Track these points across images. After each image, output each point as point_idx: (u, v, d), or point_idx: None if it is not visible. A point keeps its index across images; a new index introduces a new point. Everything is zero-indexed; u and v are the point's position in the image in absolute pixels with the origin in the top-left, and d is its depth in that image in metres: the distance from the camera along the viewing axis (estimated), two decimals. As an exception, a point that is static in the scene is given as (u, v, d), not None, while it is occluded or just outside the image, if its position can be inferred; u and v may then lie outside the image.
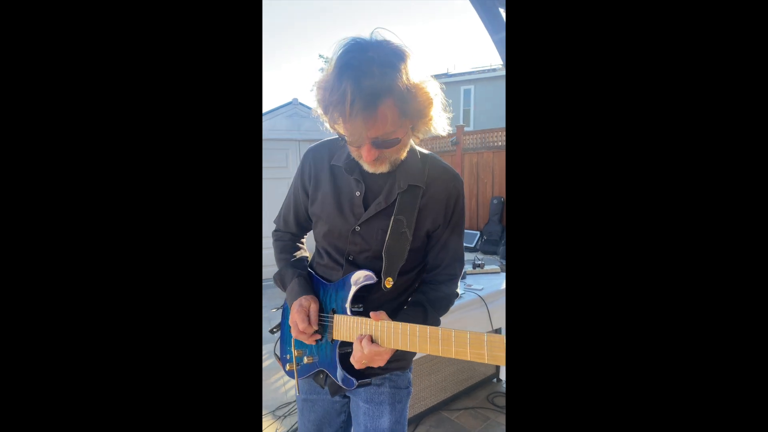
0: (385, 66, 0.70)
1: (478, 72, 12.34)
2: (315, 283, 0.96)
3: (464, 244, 1.00)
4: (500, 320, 1.97)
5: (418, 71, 0.74)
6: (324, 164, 0.92)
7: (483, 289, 1.98)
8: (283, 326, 1.05)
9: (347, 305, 0.85)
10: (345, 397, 1.00)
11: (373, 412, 0.92)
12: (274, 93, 38.48)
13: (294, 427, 1.97)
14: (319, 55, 20.04)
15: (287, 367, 1.00)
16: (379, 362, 0.79)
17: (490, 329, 1.94)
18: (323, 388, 0.95)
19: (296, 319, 0.87)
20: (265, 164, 5.03)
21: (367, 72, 0.69)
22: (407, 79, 0.71)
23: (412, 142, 0.85)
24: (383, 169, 0.82)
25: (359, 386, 0.84)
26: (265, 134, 5.01)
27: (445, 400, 2.11)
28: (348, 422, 1.03)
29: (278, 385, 2.44)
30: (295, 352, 0.96)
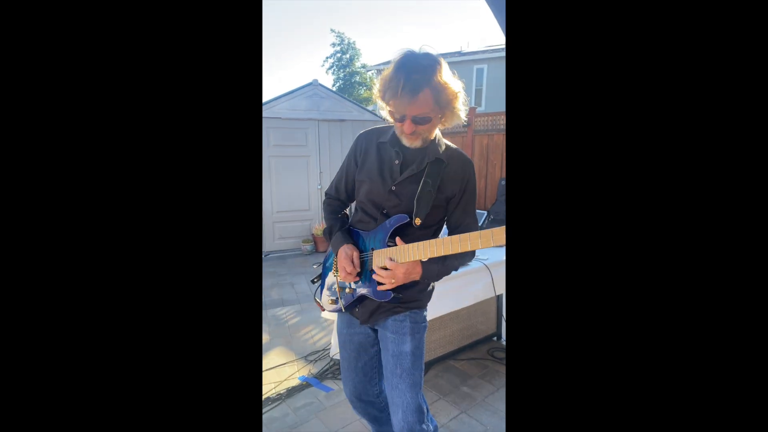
0: (426, 67, 1.04)
1: (492, 51, 12.22)
2: (355, 234, 1.30)
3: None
4: (502, 286, 2.30)
5: (448, 74, 1.07)
6: (372, 142, 1.27)
7: (488, 259, 2.30)
8: (324, 274, 1.39)
9: (386, 240, 1.18)
10: (374, 331, 1.34)
11: (398, 339, 1.23)
12: (295, 75, 38.32)
13: (324, 368, 2.35)
14: (331, 29, 20.15)
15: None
16: (415, 276, 1.11)
17: (493, 294, 2.27)
18: (357, 318, 1.29)
19: (344, 265, 1.21)
20: (285, 142, 5.32)
21: (415, 69, 1.03)
22: (440, 77, 1.04)
23: (439, 133, 1.19)
24: (417, 144, 1.15)
25: (393, 299, 1.17)
26: (286, 114, 5.23)
27: (452, 351, 2.47)
28: (379, 353, 1.36)
29: (306, 337, 2.83)
30: (338, 289, 1.29)
